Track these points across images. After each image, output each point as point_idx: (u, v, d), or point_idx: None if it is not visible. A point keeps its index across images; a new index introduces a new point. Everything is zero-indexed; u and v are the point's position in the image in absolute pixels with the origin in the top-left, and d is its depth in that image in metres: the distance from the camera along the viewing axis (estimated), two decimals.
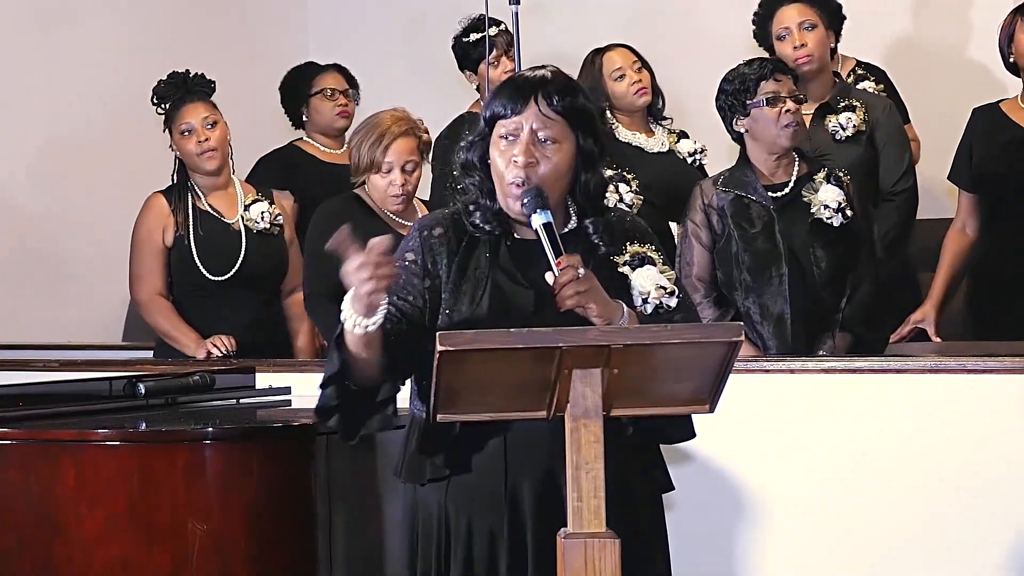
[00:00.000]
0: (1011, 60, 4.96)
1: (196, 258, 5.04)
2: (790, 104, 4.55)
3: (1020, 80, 4.99)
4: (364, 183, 4.76)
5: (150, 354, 5.25)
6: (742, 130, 4.62)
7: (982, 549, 4.00)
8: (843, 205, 4.53)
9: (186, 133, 5.06)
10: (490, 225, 2.98)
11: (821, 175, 4.59)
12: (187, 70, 5.13)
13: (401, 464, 3.01)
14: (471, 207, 3.01)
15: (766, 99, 4.55)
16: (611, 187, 4.79)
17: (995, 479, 4.00)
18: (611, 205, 4.64)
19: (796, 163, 4.64)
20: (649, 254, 3.04)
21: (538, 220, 2.88)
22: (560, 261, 2.82)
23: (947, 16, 6.43)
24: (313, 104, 5.78)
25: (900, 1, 6.48)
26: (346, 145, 4.81)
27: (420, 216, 4.77)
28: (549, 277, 2.83)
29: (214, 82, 5.16)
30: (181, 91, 5.09)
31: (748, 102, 4.57)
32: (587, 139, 2.97)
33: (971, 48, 6.28)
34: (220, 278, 5.05)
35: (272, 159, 5.83)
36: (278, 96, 5.92)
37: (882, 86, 5.49)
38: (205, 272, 5.04)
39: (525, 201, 2.90)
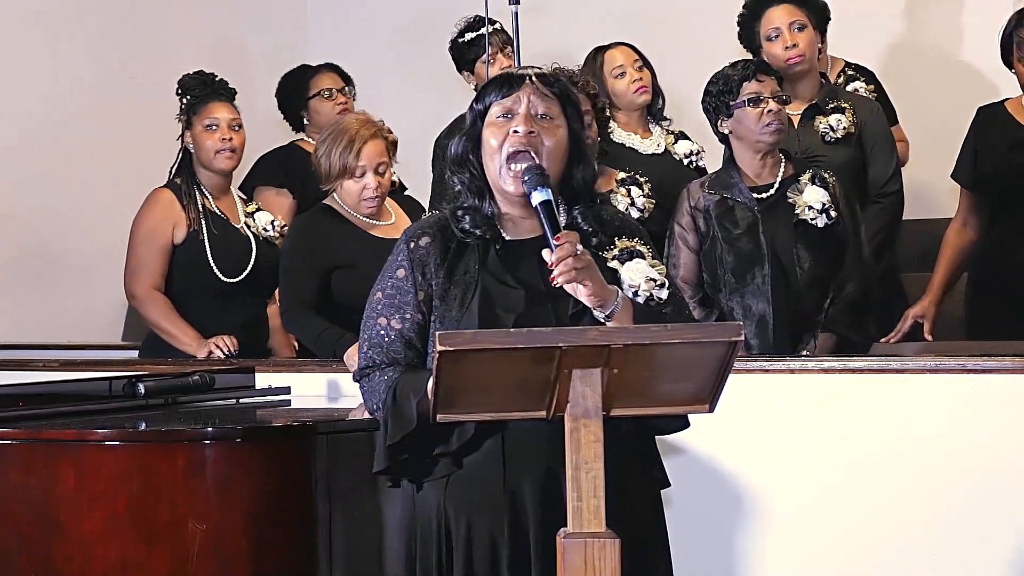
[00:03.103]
0: (1011, 60, 4.95)
1: (210, 257, 5.03)
2: (772, 104, 4.56)
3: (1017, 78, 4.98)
4: (333, 191, 4.76)
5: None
6: (727, 131, 4.63)
7: (982, 549, 4.00)
8: (827, 206, 4.54)
9: (212, 128, 5.06)
10: (480, 229, 2.98)
11: (806, 176, 4.59)
12: (213, 73, 5.15)
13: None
14: (459, 212, 3.01)
15: (748, 99, 4.56)
16: (623, 190, 4.78)
17: (995, 479, 3.99)
18: (622, 208, 4.66)
19: (782, 164, 4.64)
20: (638, 248, 3.05)
21: (538, 197, 2.89)
22: (559, 237, 2.82)
23: (940, 17, 6.43)
24: (312, 106, 5.78)
25: (893, 2, 6.48)
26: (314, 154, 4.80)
27: (394, 219, 4.79)
28: (546, 254, 2.83)
29: (236, 91, 5.18)
30: (208, 88, 5.11)
31: (731, 103, 4.58)
32: (577, 125, 3.01)
33: (963, 49, 6.28)
34: (231, 280, 5.05)
35: (273, 157, 5.83)
36: (276, 99, 5.92)
37: (872, 87, 5.49)
38: (218, 272, 5.03)
39: (526, 179, 2.91)
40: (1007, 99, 5.05)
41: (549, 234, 2.84)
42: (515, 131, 2.95)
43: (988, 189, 4.98)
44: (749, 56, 5.12)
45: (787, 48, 5.10)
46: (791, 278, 4.54)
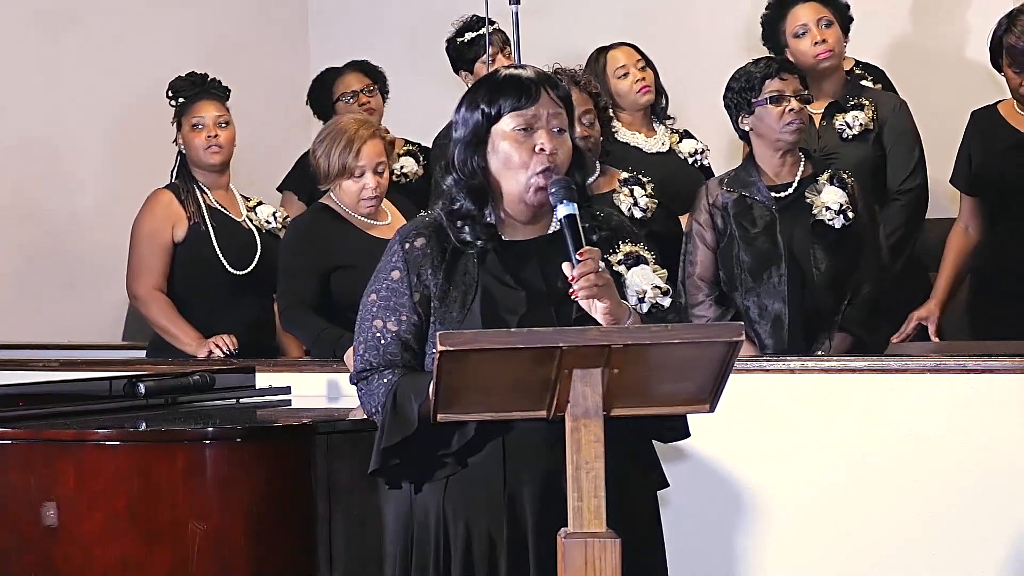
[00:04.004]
0: (1001, 64, 4.93)
1: (217, 248, 5.04)
2: (794, 103, 4.54)
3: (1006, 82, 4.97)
4: (330, 190, 4.76)
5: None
6: (747, 128, 4.61)
7: (982, 549, 4.00)
8: (845, 207, 4.52)
9: (198, 127, 5.09)
10: (481, 240, 2.97)
11: (825, 176, 4.58)
12: (205, 73, 5.16)
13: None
14: (459, 222, 2.99)
15: (770, 97, 4.54)
16: (625, 190, 4.78)
17: (995, 479, 3.99)
18: (625, 208, 4.66)
19: (802, 163, 4.62)
20: (642, 253, 3.05)
21: (564, 211, 2.88)
22: (582, 252, 2.82)
23: (946, 17, 6.43)
24: (338, 110, 5.78)
25: (899, 2, 6.47)
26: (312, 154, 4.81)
27: (390, 219, 4.79)
28: (566, 267, 2.83)
29: (229, 89, 5.18)
30: (197, 88, 5.13)
31: (753, 100, 4.56)
32: (571, 129, 3.02)
33: (970, 49, 6.27)
34: (239, 272, 5.06)
35: (300, 160, 5.82)
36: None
37: (880, 85, 5.48)
38: (226, 264, 5.04)
39: (553, 190, 2.91)
40: (1000, 101, 5.04)
41: (572, 249, 2.84)
42: (541, 149, 2.95)
43: (985, 192, 4.98)
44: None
45: (816, 44, 5.07)
46: (807, 278, 4.52)
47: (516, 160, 2.95)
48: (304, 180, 5.71)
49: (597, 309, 2.83)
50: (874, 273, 4.59)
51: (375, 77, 5.85)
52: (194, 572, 3.49)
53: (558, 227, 2.99)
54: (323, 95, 5.86)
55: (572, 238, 2.85)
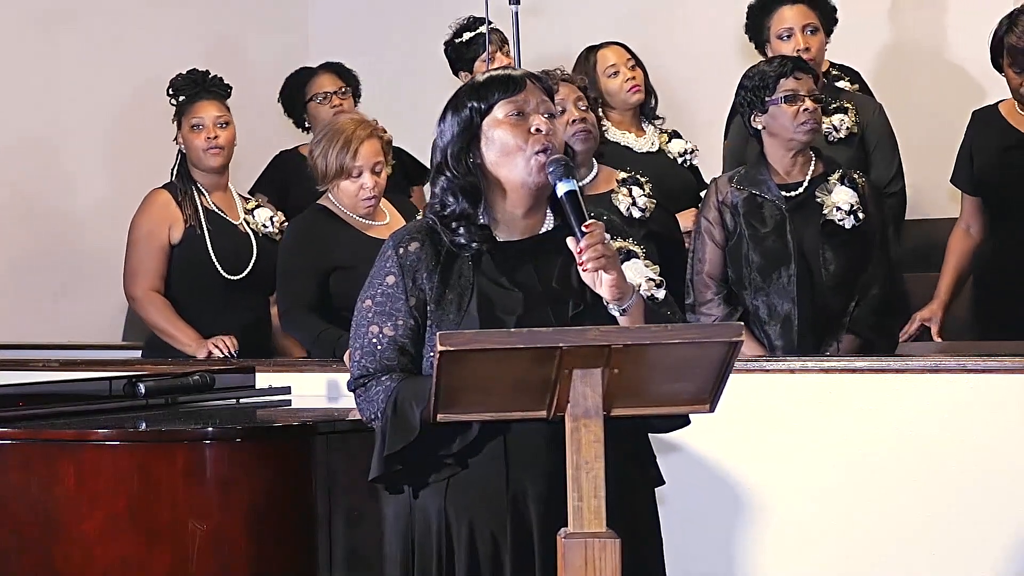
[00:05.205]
0: (1001, 64, 4.94)
1: (212, 254, 5.03)
2: (808, 103, 4.53)
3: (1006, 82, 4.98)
4: (328, 191, 4.76)
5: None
6: (760, 127, 4.59)
7: (982, 549, 4.00)
8: (856, 207, 4.51)
9: (197, 128, 5.08)
10: (476, 243, 2.97)
11: (835, 176, 4.57)
12: (207, 70, 5.15)
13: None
14: (454, 224, 2.99)
15: (784, 96, 4.53)
16: (624, 190, 4.77)
17: (995, 479, 3.99)
18: (623, 208, 4.65)
19: (813, 163, 4.62)
20: (632, 248, 3.06)
21: (563, 187, 2.89)
22: (588, 225, 2.83)
23: (928, 19, 6.43)
24: (310, 110, 5.77)
25: (882, 4, 6.48)
26: (309, 155, 4.80)
27: (389, 219, 4.79)
28: (571, 243, 2.83)
29: (231, 87, 5.17)
30: (198, 87, 5.11)
31: (767, 99, 4.55)
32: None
33: (952, 51, 6.28)
34: (234, 277, 5.05)
35: (280, 162, 5.82)
36: (276, 98, 5.92)
37: (856, 86, 5.48)
38: (220, 269, 5.04)
39: (551, 169, 2.91)
40: (1001, 101, 5.04)
41: (575, 223, 2.84)
42: (537, 130, 2.95)
43: (987, 192, 4.98)
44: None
45: (798, 51, 5.06)
46: (817, 279, 4.51)
47: (513, 144, 2.95)
48: (272, 181, 5.72)
49: (603, 282, 2.83)
50: (883, 274, 4.59)
51: (348, 80, 5.84)
52: (194, 572, 3.49)
53: (551, 227, 3.01)
54: (295, 94, 5.85)
55: (575, 213, 2.85)
